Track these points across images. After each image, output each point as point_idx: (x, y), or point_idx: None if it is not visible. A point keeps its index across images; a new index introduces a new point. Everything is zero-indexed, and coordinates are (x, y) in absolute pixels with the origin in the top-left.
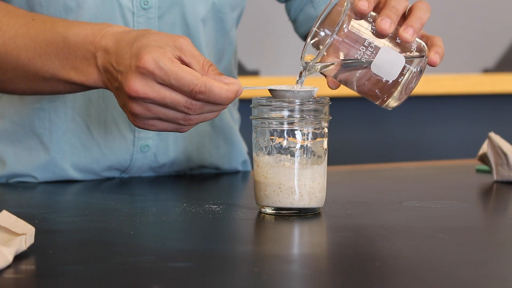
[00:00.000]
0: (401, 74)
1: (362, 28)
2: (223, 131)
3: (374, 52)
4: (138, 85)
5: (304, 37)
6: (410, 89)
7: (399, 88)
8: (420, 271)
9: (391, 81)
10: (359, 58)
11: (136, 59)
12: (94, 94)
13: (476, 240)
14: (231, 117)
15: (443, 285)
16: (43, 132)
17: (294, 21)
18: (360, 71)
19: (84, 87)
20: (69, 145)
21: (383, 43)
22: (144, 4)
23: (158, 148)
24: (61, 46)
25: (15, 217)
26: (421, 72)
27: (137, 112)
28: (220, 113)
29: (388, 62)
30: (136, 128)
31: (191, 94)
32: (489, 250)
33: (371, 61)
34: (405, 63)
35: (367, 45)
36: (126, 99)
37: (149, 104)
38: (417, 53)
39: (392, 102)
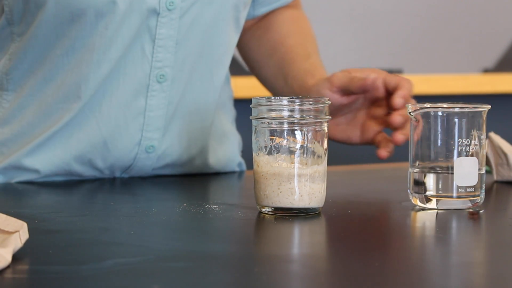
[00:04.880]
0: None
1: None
2: (223, 132)
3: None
4: None
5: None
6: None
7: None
8: (420, 271)
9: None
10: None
11: None
12: (108, 90)
13: (476, 240)
14: (229, 115)
15: (443, 285)
16: (53, 129)
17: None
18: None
19: None
20: (76, 139)
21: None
22: (170, 5)
23: (162, 149)
24: None
25: (4, 215)
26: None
27: None
28: (219, 115)
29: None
30: (145, 128)
31: None
32: (489, 250)
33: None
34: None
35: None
36: None
37: None
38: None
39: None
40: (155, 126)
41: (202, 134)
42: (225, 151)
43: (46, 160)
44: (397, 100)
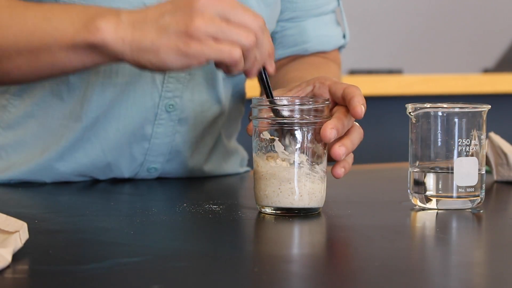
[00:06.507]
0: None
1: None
2: (226, 151)
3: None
4: None
5: None
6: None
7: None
8: (420, 271)
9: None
10: None
11: None
12: (114, 117)
13: (476, 240)
14: (235, 133)
15: (443, 285)
16: (56, 149)
17: None
18: None
19: (88, 53)
20: (79, 162)
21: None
22: None
23: (164, 169)
24: (78, 9)
25: (4, 215)
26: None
27: (198, 24)
28: (224, 134)
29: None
30: (148, 152)
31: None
32: (489, 250)
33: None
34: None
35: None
36: (187, 13)
37: (215, 15)
38: None
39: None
40: (160, 152)
41: (206, 155)
42: (227, 168)
43: (50, 176)
44: (359, 108)
